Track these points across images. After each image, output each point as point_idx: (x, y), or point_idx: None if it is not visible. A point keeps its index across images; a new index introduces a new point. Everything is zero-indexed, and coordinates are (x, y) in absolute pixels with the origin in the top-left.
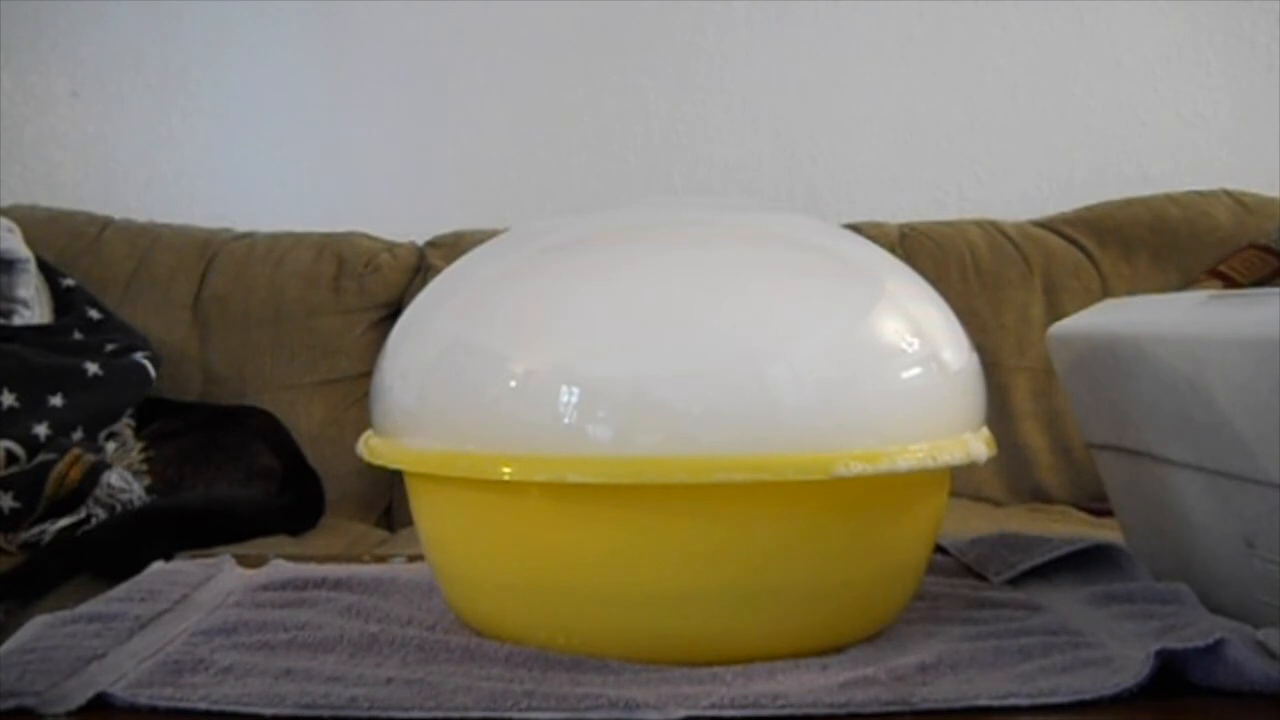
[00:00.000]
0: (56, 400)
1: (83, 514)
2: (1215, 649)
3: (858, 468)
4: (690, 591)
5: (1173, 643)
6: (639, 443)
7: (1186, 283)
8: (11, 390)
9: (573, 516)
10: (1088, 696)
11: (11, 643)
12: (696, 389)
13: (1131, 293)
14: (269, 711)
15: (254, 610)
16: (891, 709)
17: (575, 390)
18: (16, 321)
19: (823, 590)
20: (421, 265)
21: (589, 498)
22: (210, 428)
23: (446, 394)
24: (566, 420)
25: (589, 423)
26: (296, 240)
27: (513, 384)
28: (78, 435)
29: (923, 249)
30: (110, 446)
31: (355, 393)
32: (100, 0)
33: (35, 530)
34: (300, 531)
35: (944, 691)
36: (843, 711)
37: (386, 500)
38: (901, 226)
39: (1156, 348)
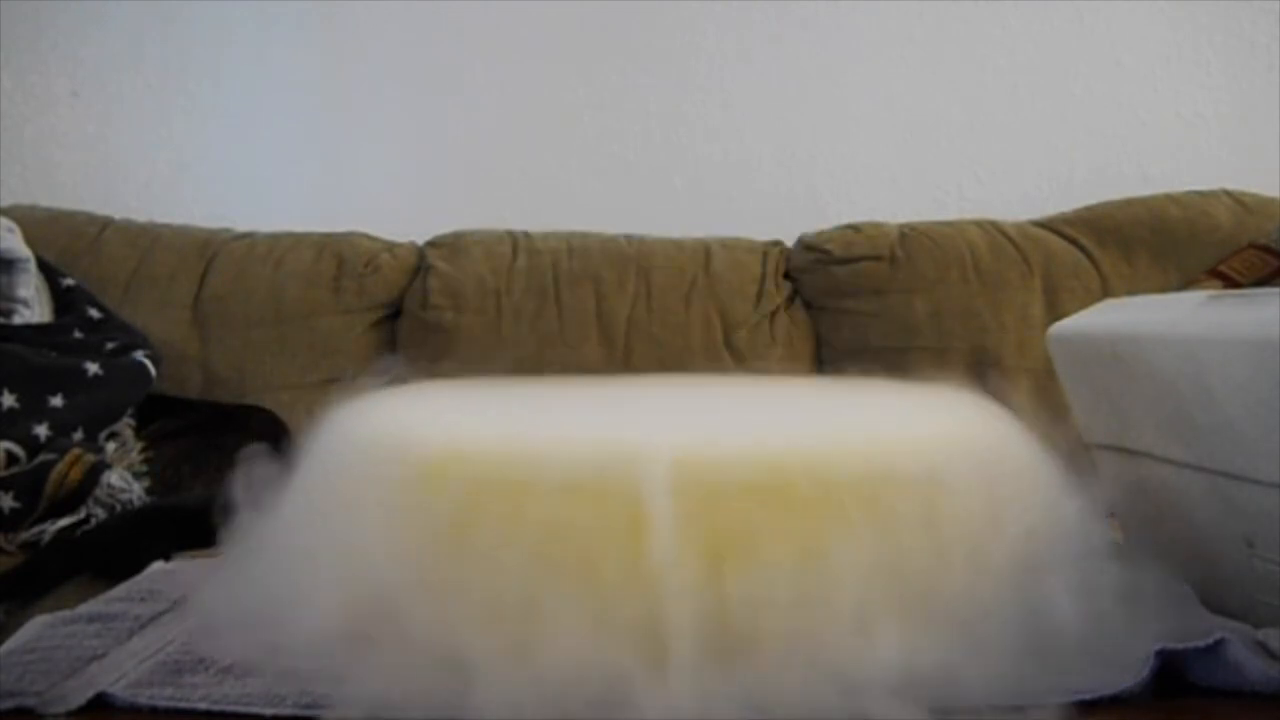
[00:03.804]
0: (57, 400)
1: (83, 514)
2: (1215, 649)
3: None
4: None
5: (1173, 643)
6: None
7: (1186, 283)
8: (12, 391)
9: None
10: (1088, 697)
11: (11, 643)
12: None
13: (1131, 293)
14: (269, 711)
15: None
16: None
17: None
18: (16, 321)
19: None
20: (421, 265)
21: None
22: (210, 428)
23: None
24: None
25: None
26: (296, 240)
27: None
28: (78, 435)
29: (923, 249)
30: (110, 446)
31: (355, 387)
32: (100, 0)
33: (35, 530)
34: None
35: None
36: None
37: None
38: (901, 226)
39: (1156, 348)
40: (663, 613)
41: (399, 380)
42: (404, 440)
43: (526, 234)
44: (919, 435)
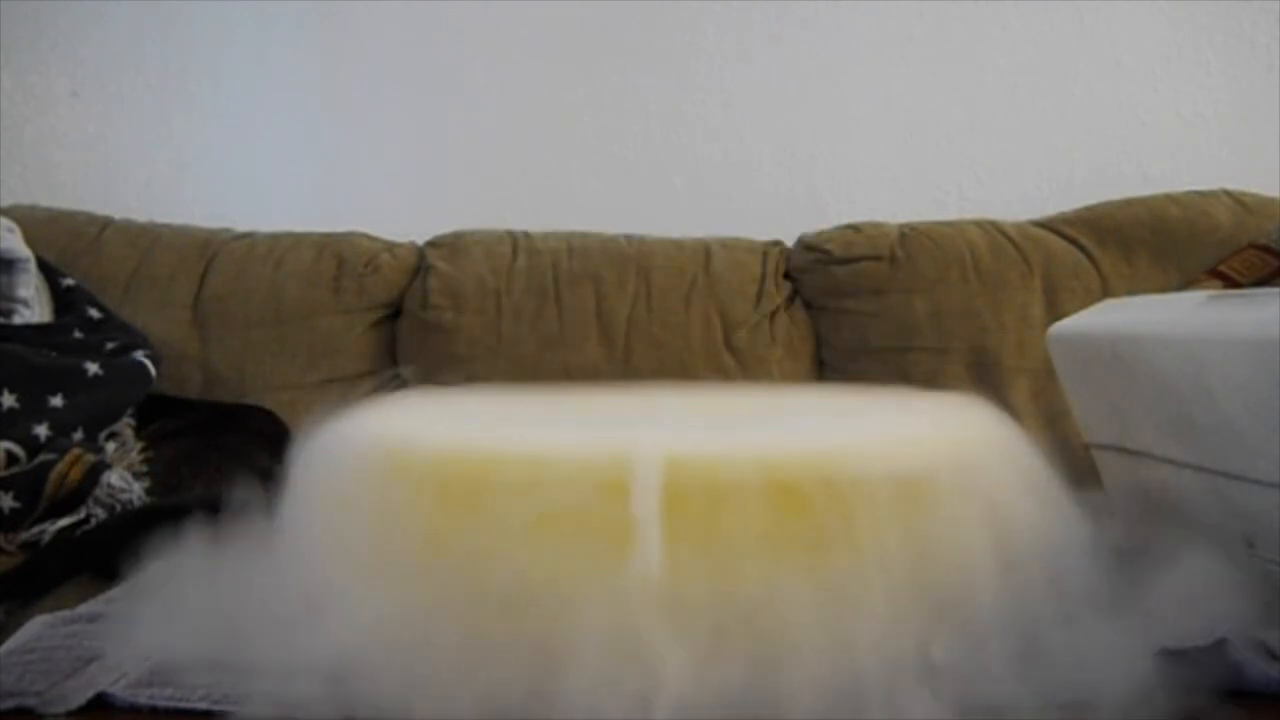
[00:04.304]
0: (57, 401)
1: (83, 514)
2: (1215, 649)
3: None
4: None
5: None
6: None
7: (1186, 283)
8: (12, 391)
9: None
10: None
11: (11, 643)
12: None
13: (1131, 293)
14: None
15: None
16: None
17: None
18: (16, 321)
19: None
20: (421, 265)
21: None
22: (210, 428)
23: None
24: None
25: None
26: (296, 240)
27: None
28: (78, 435)
29: (923, 249)
30: (110, 446)
31: (355, 393)
32: (100, 0)
33: (35, 530)
34: None
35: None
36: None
37: None
38: (901, 226)
39: (1156, 348)
40: (654, 610)
41: (401, 386)
42: (399, 444)
43: (526, 234)
44: (914, 438)
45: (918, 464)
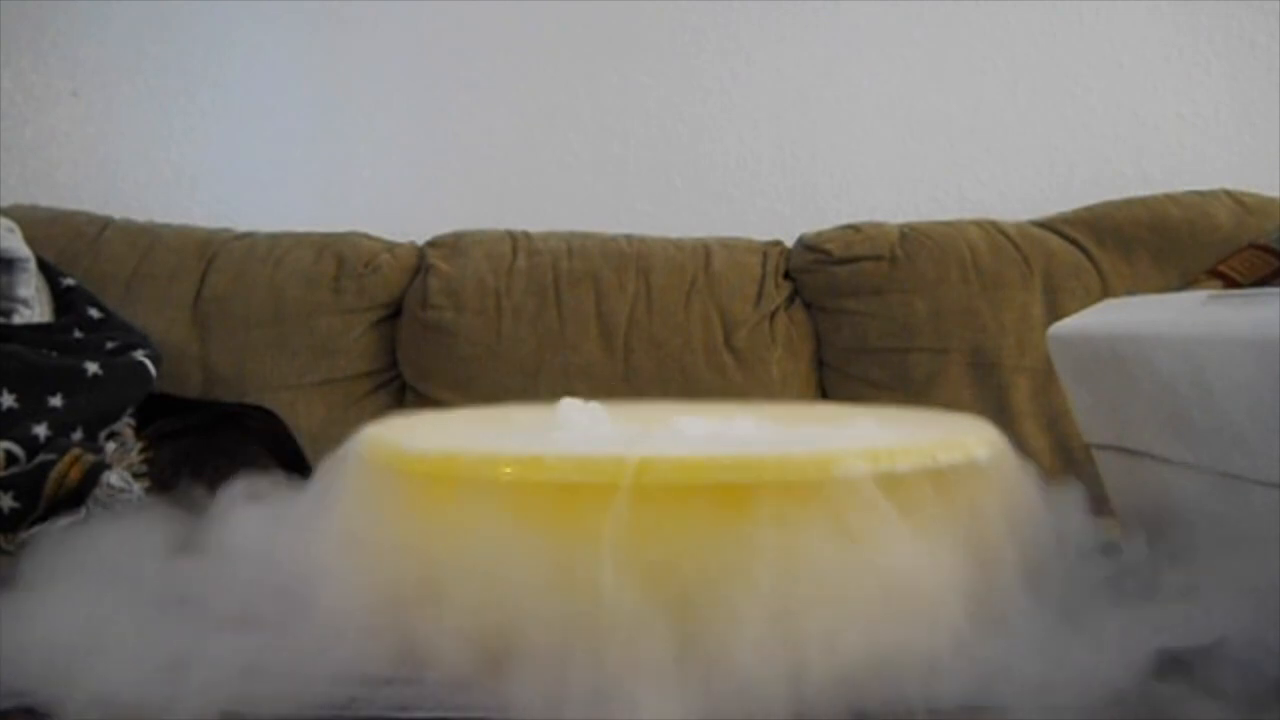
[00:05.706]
0: (56, 401)
1: (82, 514)
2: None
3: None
4: None
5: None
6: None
7: (1186, 283)
8: (11, 391)
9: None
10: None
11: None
12: None
13: (1131, 293)
14: (273, 711)
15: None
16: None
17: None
18: (16, 321)
19: None
20: (421, 265)
21: (590, 498)
22: (210, 428)
23: None
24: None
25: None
26: (296, 240)
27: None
28: (78, 435)
29: (923, 249)
30: (110, 446)
31: (355, 393)
32: (100, 0)
33: (35, 530)
34: None
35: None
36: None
37: None
38: (901, 226)
39: (1156, 348)
40: (625, 609)
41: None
42: (391, 447)
43: (526, 234)
44: (898, 447)
45: (902, 470)
